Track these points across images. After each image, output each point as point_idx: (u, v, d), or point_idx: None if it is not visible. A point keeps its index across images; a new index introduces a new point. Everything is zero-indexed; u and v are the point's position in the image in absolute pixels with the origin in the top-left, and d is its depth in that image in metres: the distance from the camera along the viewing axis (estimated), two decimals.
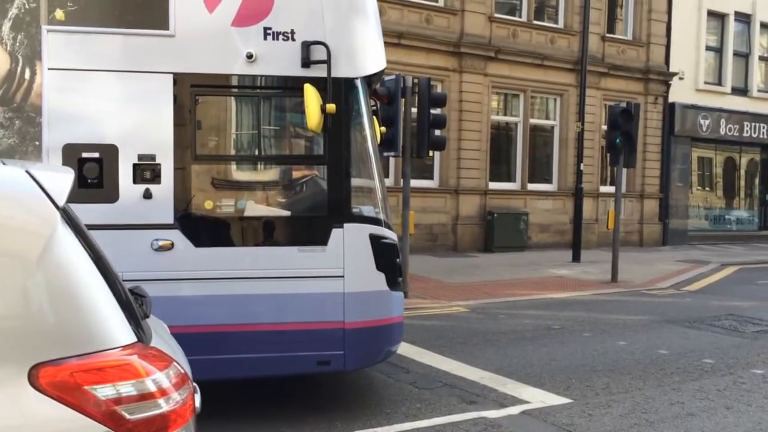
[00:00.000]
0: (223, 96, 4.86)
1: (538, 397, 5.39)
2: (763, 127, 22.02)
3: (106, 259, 2.16)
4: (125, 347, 1.87)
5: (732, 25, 21.41)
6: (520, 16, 17.56)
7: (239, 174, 4.99)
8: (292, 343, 4.68)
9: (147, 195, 4.47)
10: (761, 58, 22.40)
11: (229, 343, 4.60)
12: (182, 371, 1.97)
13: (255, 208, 4.89)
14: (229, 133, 5.02)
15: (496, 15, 16.94)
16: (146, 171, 4.48)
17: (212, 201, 4.76)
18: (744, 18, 21.76)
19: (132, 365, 1.84)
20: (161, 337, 2.27)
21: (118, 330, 1.88)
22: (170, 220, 4.52)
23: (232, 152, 5.04)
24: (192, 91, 4.59)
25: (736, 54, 21.67)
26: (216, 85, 4.69)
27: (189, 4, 4.53)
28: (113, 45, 4.49)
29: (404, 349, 6.53)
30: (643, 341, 7.49)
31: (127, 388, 1.82)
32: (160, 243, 4.48)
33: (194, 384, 2.12)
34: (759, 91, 22.21)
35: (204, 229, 4.70)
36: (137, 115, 4.51)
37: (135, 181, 4.47)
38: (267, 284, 4.66)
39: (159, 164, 4.50)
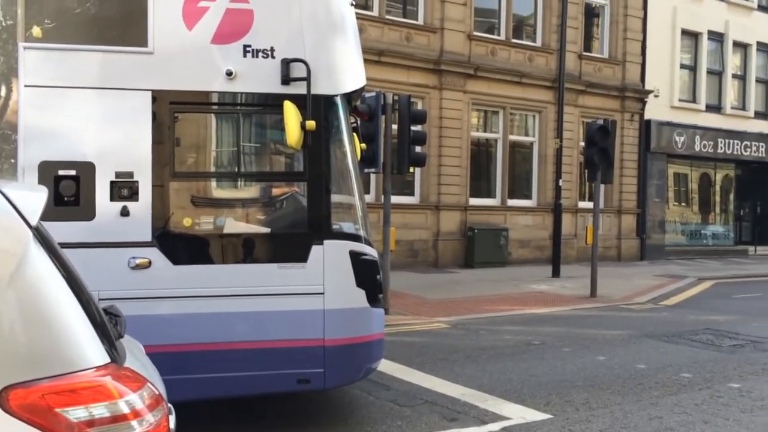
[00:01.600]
0: (203, 113, 4.84)
1: (518, 414, 5.39)
2: (737, 144, 22.44)
3: (80, 279, 2.13)
4: (98, 368, 1.84)
5: (705, 44, 21.87)
6: (499, 35, 17.78)
7: (218, 191, 4.97)
8: (272, 362, 4.64)
9: (124, 212, 4.43)
10: (734, 76, 22.88)
11: (208, 362, 4.55)
12: (156, 392, 1.94)
13: (234, 225, 4.86)
14: (208, 150, 5.01)
15: (475, 33, 17.15)
16: (124, 188, 4.44)
17: (191, 218, 4.72)
18: (717, 37, 22.24)
19: (105, 386, 1.81)
20: (136, 357, 2.24)
21: (91, 351, 1.85)
22: (148, 237, 4.48)
23: (212, 169, 5.01)
24: (171, 109, 4.57)
25: (709, 72, 22.12)
26: (195, 102, 4.67)
27: (168, 22, 4.53)
28: (91, 62, 4.46)
29: (385, 366, 6.50)
30: (621, 356, 7.54)
31: (99, 410, 1.79)
32: (138, 261, 4.43)
33: (169, 405, 2.09)
34: (732, 108, 22.67)
35: (182, 247, 4.66)
36: (115, 133, 4.48)
37: (112, 199, 4.43)
38: (246, 302, 4.63)
39: (137, 182, 4.46)
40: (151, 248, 4.48)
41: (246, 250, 4.78)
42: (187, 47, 4.55)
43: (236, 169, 4.96)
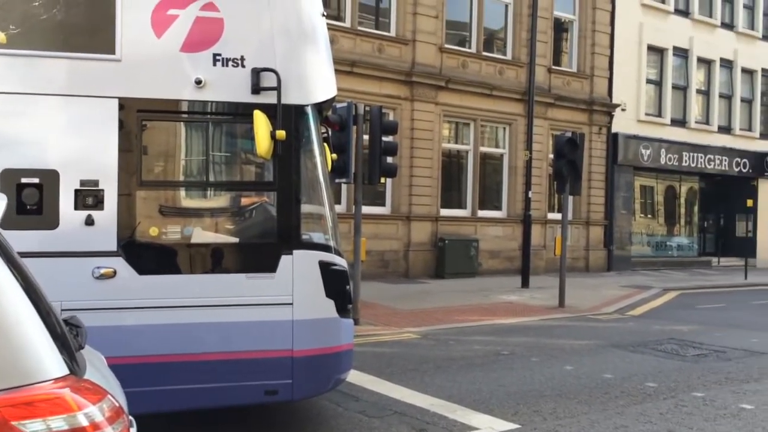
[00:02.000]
0: (171, 122, 4.79)
1: (486, 424, 5.41)
2: (701, 157, 22.96)
3: (39, 289, 2.09)
4: (57, 380, 1.80)
5: (671, 60, 22.39)
6: (470, 48, 17.97)
7: (186, 200, 4.92)
8: (239, 373, 4.59)
9: (89, 221, 4.36)
10: (698, 92, 23.45)
11: (174, 373, 4.48)
12: (117, 404, 1.91)
13: (202, 234, 4.81)
14: (176, 159, 4.96)
15: (447, 46, 17.30)
16: (88, 197, 4.37)
17: (158, 228, 4.66)
18: (682, 53, 22.79)
19: (63, 399, 1.77)
20: (96, 369, 2.20)
21: (49, 362, 1.81)
22: (113, 247, 4.41)
23: (180, 178, 4.95)
24: (138, 117, 4.52)
25: (674, 87, 22.64)
26: (163, 110, 4.62)
27: (136, 29, 4.48)
28: (57, 69, 4.39)
29: (354, 376, 6.48)
30: (589, 366, 7.63)
31: (57, 423, 1.75)
32: (102, 271, 4.36)
33: (130, 418, 2.05)
34: (696, 122, 23.22)
35: (149, 257, 4.59)
36: (80, 140, 4.41)
37: (77, 208, 4.35)
38: (214, 312, 4.58)
39: (102, 190, 4.39)
40: (116, 258, 4.40)
41: (214, 260, 4.73)
42: (155, 55, 4.51)
43: (205, 179, 4.91)
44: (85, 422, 1.78)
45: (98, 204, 4.38)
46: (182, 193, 4.90)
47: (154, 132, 4.74)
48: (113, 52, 4.44)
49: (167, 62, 4.52)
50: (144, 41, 4.49)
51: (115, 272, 4.39)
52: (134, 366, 4.35)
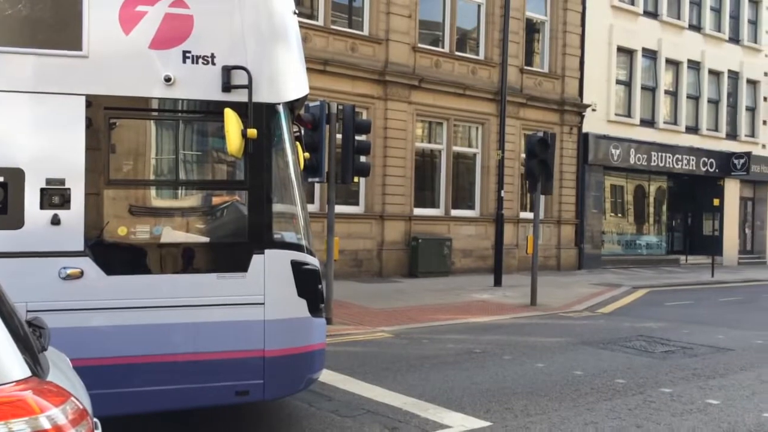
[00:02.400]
0: (140, 119, 4.72)
1: (459, 422, 5.44)
2: (669, 157, 23.37)
3: (1, 290, 2.04)
4: (18, 382, 1.76)
5: (640, 61, 22.74)
6: (443, 47, 18.04)
7: (156, 199, 4.85)
8: (209, 374, 4.55)
9: (55, 221, 4.27)
10: (666, 92, 23.85)
11: (143, 375, 4.42)
12: (81, 407, 1.87)
13: (172, 234, 4.75)
14: (145, 157, 4.89)
15: (420, 45, 17.35)
16: (55, 196, 4.29)
17: (126, 227, 4.60)
18: (651, 54, 23.17)
19: (25, 401, 1.73)
20: (60, 371, 2.15)
21: (10, 364, 1.77)
22: (80, 247, 4.34)
23: (149, 177, 4.88)
24: (106, 114, 4.44)
25: (643, 88, 23.00)
26: (132, 108, 4.55)
27: (104, 25, 4.41)
28: (22, 65, 4.30)
29: (327, 376, 6.47)
30: (559, 363, 7.71)
31: (19, 426, 1.71)
32: (69, 271, 4.28)
33: (95, 420, 2.02)
34: (665, 123, 23.61)
35: (117, 257, 4.52)
36: (46, 138, 4.32)
37: (42, 207, 4.27)
38: (184, 312, 4.53)
39: (69, 189, 4.32)
40: (83, 258, 4.33)
41: (184, 259, 4.67)
42: (123, 52, 4.44)
43: (174, 177, 4.85)
44: (47, 425, 1.75)
45: (65, 203, 4.31)
46: (151, 192, 4.84)
47: (123, 130, 4.67)
48: (80, 49, 4.37)
49: (136, 59, 4.46)
50: (112, 38, 4.41)
51: (82, 273, 4.32)
52: (102, 368, 4.29)
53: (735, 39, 26.03)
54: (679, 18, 23.91)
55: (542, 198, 17.87)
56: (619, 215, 23.64)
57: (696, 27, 24.65)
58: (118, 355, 4.37)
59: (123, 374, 4.36)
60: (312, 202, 15.29)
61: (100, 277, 4.36)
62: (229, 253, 4.76)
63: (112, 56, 4.43)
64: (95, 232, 4.40)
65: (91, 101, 4.38)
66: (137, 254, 4.60)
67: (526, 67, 19.58)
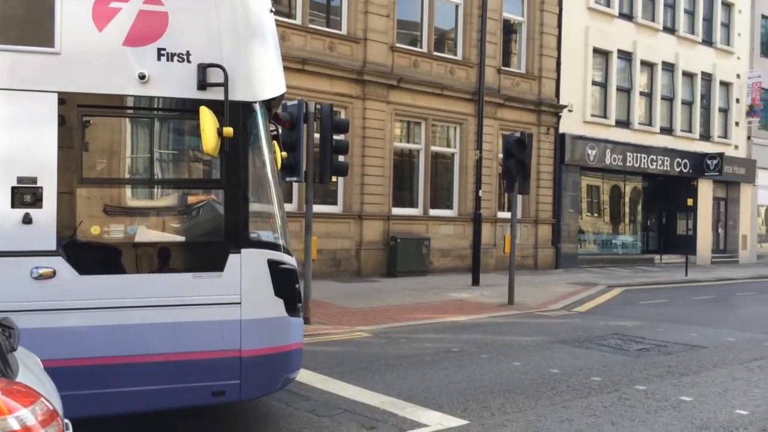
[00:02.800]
0: (114, 117, 4.65)
1: (436, 420, 5.45)
2: (644, 158, 23.67)
3: None
4: None
5: (615, 63, 23.01)
6: (421, 47, 18.08)
7: (130, 198, 4.80)
8: (185, 374, 4.51)
9: (27, 220, 4.20)
10: (641, 94, 24.16)
11: (117, 375, 4.37)
12: (51, 407, 1.84)
13: (146, 233, 4.70)
14: (119, 156, 4.82)
15: (398, 45, 17.37)
16: (26, 194, 4.22)
17: (100, 226, 4.54)
18: (626, 56, 23.44)
19: None
20: (30, 371, 2.12)
21: None
22: (52, 246, 4.27)
23: (123, 176, 4.81)
24: (79, 112, 4.38)
25: (619, 89, 23.27)
26: (105, 105, 4.49)
27: (77, 22, 4.35)
28: None
29: (304, 376, 6.45)
30: (536, 361, 7.77)
31: None
32: (41, 271, 4.21)
33: (66, 421, 1.99)
34: (640, 124, 23.92)
35: (90, 256, 4.46)
36: (17, 136, 4.25)
37: (13, 206, 4.20)
38: (158, 312, 4.48)
39: (41, 187, 4.25)
40: (55, 257, 4.27)
41: (159, 259, 4.62)
42: (97, 48, 4.38)
43: (149, 176, 4.80)
44: (16, 426, 1.72)
45: (36, 202, 4.24)
46: (126, 190, 4.78)
47: (96, 128, 4.61)
48: (52, 45, 4.31)
49: (109, 56, 4.40)
50: (85, 34, 4.36)
51: (54, 272, 4.25)
52: (75, 368, 4.23)
53: (708, 41, 26.46)
54: (653, 20, 24.23)
55: (519, 198, 17.98)
56: (596, 215, 23.90)
57: (670, 29, 25.00)
58: (91, 355, 4.31)
59: (97, 375, 4.30)
60: (290, 201, 15.23)
61: (73, 277, 4.30)
62: (205, 252, 4.72)
63: (85, 53, 4.37)
64: (68, 232, 4.34)
65: (64, 99, 4.32)
66: (111, 254, 4.54)
67: (503, 68, 19.70)
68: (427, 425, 5.33)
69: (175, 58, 4.49)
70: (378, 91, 16.73)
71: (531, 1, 20.28)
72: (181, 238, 4.83)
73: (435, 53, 18.18)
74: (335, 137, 9.91)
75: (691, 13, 25.84)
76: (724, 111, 27.37)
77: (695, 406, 6.00)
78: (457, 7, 18.69)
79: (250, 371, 4.65)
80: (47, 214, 4.26)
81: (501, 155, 15.32)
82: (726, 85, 27.21)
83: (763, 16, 28.94)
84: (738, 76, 27.52)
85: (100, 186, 4.61)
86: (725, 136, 27.32)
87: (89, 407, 4.21)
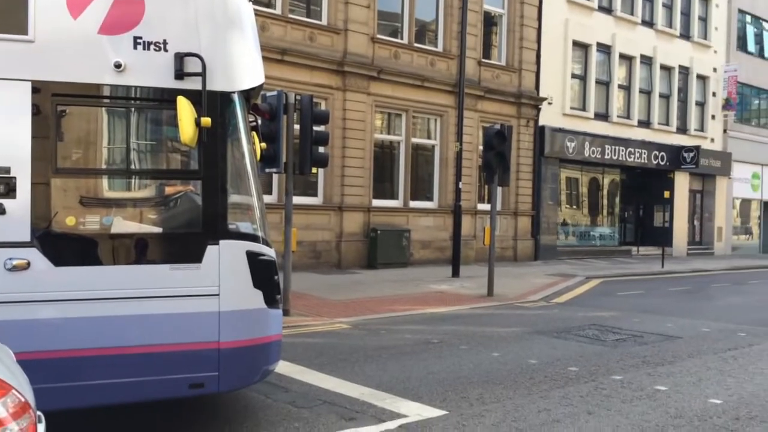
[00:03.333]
0: (89, 106, 4.58)
1: (415, 411, 5.48)
2: (622, 150, 23.89)
3: None
4: None
5: (594, 56, 23.16)
6: (402, 39, 18.04)
7: (106, 189, 4.73)
8: (163, 366, 4.47)
9: (0, 210, 4.13)
10: (620, 87, 24.35)
11: (94, 368, 4.32)
12: (23, 400, 1.82)
13: (123, 224, 4.65)
14: (95, 146, 4.75)
15: (379, 36, 17.31)
16: None
17: (75, 217, 4.47)
18: (605, 49, 23.60)
19: None
20: (2, 363, 2.08)
21: None
22: (27, 237, 4.20)
23: (99, 166, 4.75)
24: (53, 101, 4.31)
25: (598, 82, 23.44)
26: (81, 94, 4.41)
27: (51, 9, 4.27)
28: None
29: (284, 368, 6.44)
30: (515, 352, 7.83)
31: None
32: (14, 262, 4.15)
33: (39, 413, 1.96)
34: (618, 116, 24.12)
35: (65, 247, 4.40)
36: None
37: None
38: (135, 304, 4.43)
39: (14, 177, 4.17)
40: (30, 249, 4.20)
41: (135, 250, 4.57)
42: (71, 36, 4.31)
43: (126, 166, 4.74)
44: None
45: (10, 192, 4.17)
46: (102, 181, 4.72)
47: (72, 117, 4.53)
48: (26, 33, 4.22)
49: (84, 44, 4.33)
50: (59, 22, 4.28)
51: (28, 264, 4.19)
52: (51, 361, 4.18)
53: (686, 35, 26.74)
54: (632, 14, 24.41)
55: (499, 190, 18.03)
56: (574, 207, 24.10)
57: (648, 23, 25.21)
58: (67, 348, 4.26)
59: (72, 367, 4.26)
60: (270, 192, 15.16)
61: (47, 269, 4.24)
62: (182, 243, 4.68)
63: (59, 41, 4.29)
64: (42, 223, 4.28)
65: (38, 87, 4.24)
66: (87, 245, 4.49)
67: (483, 60, 19.74)
68: (406, 416, 5.35)
69: (152, 46, 4.43)
70: (358, 82, 16.67)
71: None
72: (158, 229, 4.78)
73: (416, 45, 18.15)
74: (315, 128, 9.86)
75: (669, 7, 26.07)
76: (701, 104, 27.71)
77: (670, 396, 6.09)
78: None
79: (229, 363, 4.62)
80: (21, 204, 4.19)
81: (481, 147, 15.36)
82: (703, 78, 27.53)
83: (740, 11, 29.30)
84: (714, 69, 27.86)
85: (75, 176, 4.55)
86: (702, 129, 27.67)
87: (64, 400, 4.17)
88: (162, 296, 4.47)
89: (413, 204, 18.21)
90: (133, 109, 4.68)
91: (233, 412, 5.37)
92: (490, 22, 20.38)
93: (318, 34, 16.17)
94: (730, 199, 29.31)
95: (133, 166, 4.76)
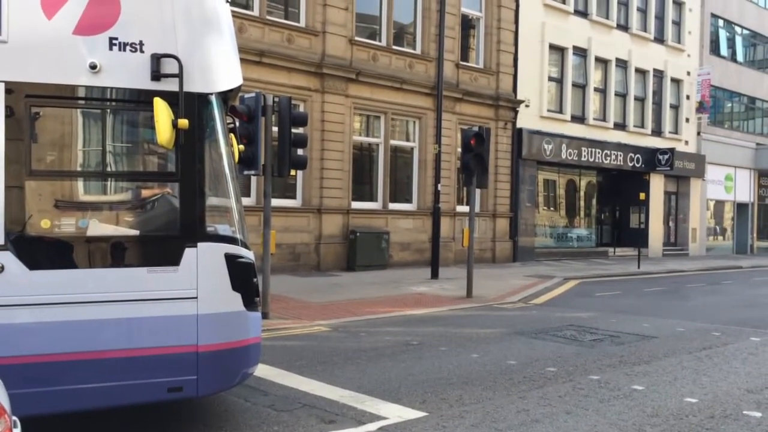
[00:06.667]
0: (64, 108, 4.52)
1: (395, 413, 5.48)
2: (599, 152, 24.15)
3: None
4: None
5: (571, 59, 23.39)
6: (380, 41, 18.07)
7: (81, 191, 4.67)
8: (140, 370, 4.42)
9: None
10: (596, 90, 24.62)
11: (69, 372, 4.26)
12: None
13: (99, 227, 4.59)
14: (71, 147, 4.69)
15: (357, 38, 17.32)
16: None
17: (51, 220, 4.41)
18: (581, 52, 23.85)
19: None
20: None
21: None
22: (0, 241, 4.13)
23: (74, 168, 4.68)
24: (27, 102, 4.25)
25: (574, 85, 23.68)
26: (55, 96, 4.36)
27: (24, 9, 4.21)
28: None
29: (263, 371, 6.40)
30: (494, 353, 7.87)
31: None
32: None
33: (14, 418, 1.93)
34: (594, 119, 24.38)
35: (41, 251, 4.33)
36: None
37: None
38: (112, 308, 4.38)
39: None
40: (4, 252, 4.14)
41: (112, 253, 4.51)
42: (46, 37, 4.25)
43: (101, 169, 4.68)
44: None
45: None
46: (78, 183, 4.65)
47: (46, 119, 4.47)
48: None
49: (59, 45, 4.27)
50: (33, 22, 4.22)
51: (3, 267, 4.12)
52: (26, 366, 4.12)
53: (660, 39, 27.12)
54: (608, 17, 24.70)
55: (478, 192, 18.16)
56: (552, 209, 24.30)
57: (624, 27, 25.53)
58: (43, 352, 4.20)
59: (48, 372, 4.19)
60: (248, 195, 15.07)
61: (22, 273, 4.17)
62: (159, 246, 4.64)
63: (33, 41, 4.23)
64: (17, 226, 4.21)
65: (11, 88, 4.18)
66: (62, 248, 4.42)
67: (461, 63, 19.83)
68: (387, 418, 5.35)
69: (128, 47, 4.39)
70: (337, 84, 16.66)
71: None
72: (135, 232, 4.73)
73: (394, 47, 18.19)
74: (294, 130, 9.83)
75: (643, 11, 26.43)
76: (675, 107, 28.12)
77: (646, 395, 6.16)
78: (415, 1, 18.71)
79: (208, 366, 4.59)
80: None
81: (459, 149, 15.43)
82: (677, 81, 27.94)
83: (713, 15, 29.82)
84: (688, 73, 28.30)
85: (50, 179, 4.49)
86: (676, 131, 28.09)
87: (40, 405, 4.11)
88: (139, 299, 4.43)
89: (392, 206, 18.22)
90: (109, 111, 4.62)
91: (212, 416, 5.33)
92: (467, 25, 20.49)
93: (296, 36, 16.13)
94: (704, 200, 29.77)
95: (109, 169, 4.71)
